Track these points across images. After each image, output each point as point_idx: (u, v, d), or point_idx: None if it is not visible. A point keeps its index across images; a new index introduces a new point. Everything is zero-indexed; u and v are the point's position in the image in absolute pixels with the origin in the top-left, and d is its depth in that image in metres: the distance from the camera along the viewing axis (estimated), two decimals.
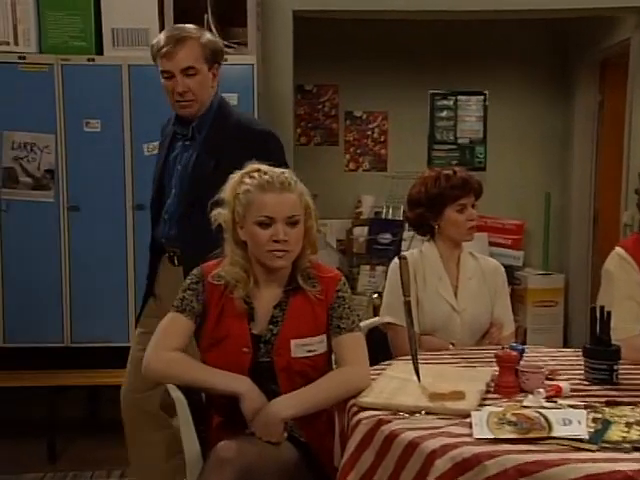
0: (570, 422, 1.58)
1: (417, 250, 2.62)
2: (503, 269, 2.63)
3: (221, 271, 1.97)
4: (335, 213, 4.81)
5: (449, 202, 2.50)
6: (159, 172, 2.51)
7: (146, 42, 3.38)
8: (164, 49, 2.34)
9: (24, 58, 3.41)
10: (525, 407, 1.69)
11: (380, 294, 4.23)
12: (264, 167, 1.96)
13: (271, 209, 1.90)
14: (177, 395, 1.94)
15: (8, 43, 3.43)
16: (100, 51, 3.45)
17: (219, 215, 1.96)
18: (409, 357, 1.97)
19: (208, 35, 2.45)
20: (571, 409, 1.67)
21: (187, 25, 2.44)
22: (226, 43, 3.45)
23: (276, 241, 1.89)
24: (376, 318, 2.63)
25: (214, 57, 2.42)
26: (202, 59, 2.37)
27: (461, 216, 2.51)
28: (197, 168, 2.40)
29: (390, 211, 4.78)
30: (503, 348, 1.99)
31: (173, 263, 2.50)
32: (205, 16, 3.41)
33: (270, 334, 1.96)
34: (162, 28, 3.41)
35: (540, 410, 1.64)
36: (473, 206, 2.54)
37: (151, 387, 2.45)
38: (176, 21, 3.42)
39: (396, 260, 2.47)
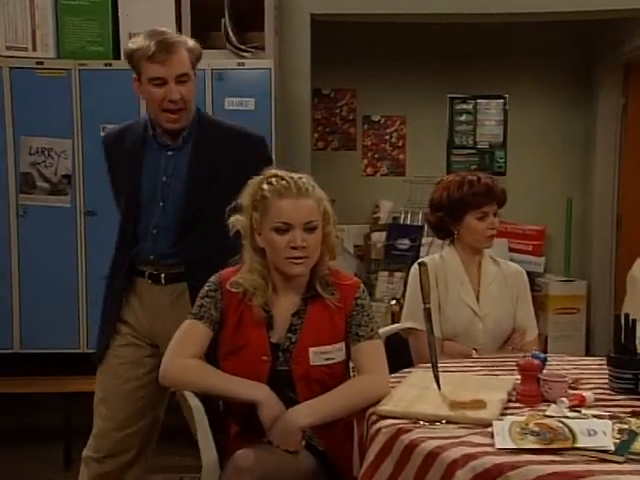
0: (595, 433, 1.54)
1: (437, 255, 2.59)
2: (525, 273, 2.60)
3: (239, 278, 1.95)
4: (352, 218, 4.78)
5: (470, 209, 2.47)
6: (134, 187, 2.29)
7: None
8: (157, 55, 2.19)
9: (42, 63, 3.42)
10: (548, 417, 1.66)
11: (398, 300, 4.23)
12: (282, 172, 1.94)
13: (288, 215, 1.88)
14: (195, 403, 1.93)
15: (26, 49, 3.45)
16: (117, 56, 3.45)
17: (237, 222, 1.94)
18: (429, 365, 1.94)
19: (189, 39, 2.33)
20: (596, 419, 1.63)
21: (166, 29, 2.32)
22: (243, 47, 3.45)
23: (294, 247, 1.87)
24: (396, 325, 2.61)
25: (197, 62, 2.31)
26: (190, 65, 2.26)
27: (481, 224, 2.47)
28: (193, 178, 2.27)
29: (408, 216, 4.75)
30: (525, 356, 1.95)
31: (159, 282, 2.31)
32: (222, 20, 3.41)
33: (289, 342, 1.94)
34: (179, 33, 3.41)
35: (563, 420, 1.61)
36: (495, 214, 2.51)
37: (136, 422, 2.34)
38: (194, 26, 3.43)
39: (416, 265, 2.45)
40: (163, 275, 2.30)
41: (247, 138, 2.34)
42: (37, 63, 3.42)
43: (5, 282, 3.48)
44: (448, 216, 2.51)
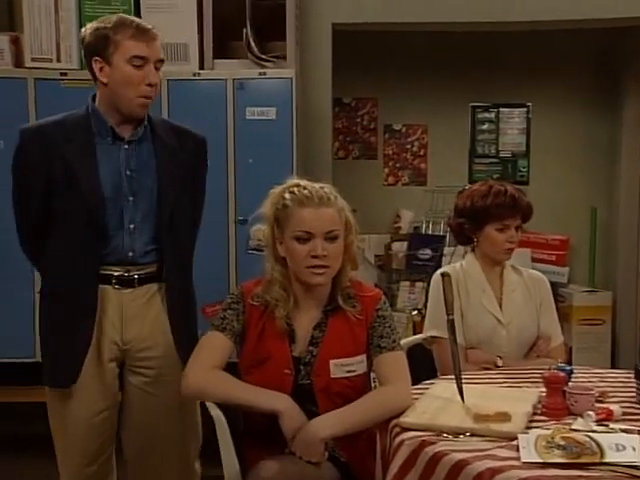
0: (624, 447, 1.51)
1: (458, 264, 2.58)
2: (547, 280, 2.58)
3: (260, 291, 1.94)
4: (373, 228, 4.76)
5: (491, 220, 2.45)
6: (95, 183, 2.08)
7: (185, 57, 3.40)
8: (141, 34, 2.06)
9: (66, 74, 3.45)
10: (574, 430, 1.63)
11: (420, 311, 4.19)
12: (304, 182, 1.95)
13: (309, 224, 1.87)
14: (216, 413, 1.93)
15: (51, 60, 3.47)
16: None
17: (258, 231, 1.94)
18: (452, 377, 1.92)
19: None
20: (624, 434, 1.59)
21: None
22: (265, 57, 3.45)
23: (314, 256, 1.86)
24: (419, 335, 2.58)
25: None
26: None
27: (501, 235, 2.45)
28: (165, 172, 2.15)
29: (430, 226, 4.71)
30: (550, 368, 1.92)
31: (129, 285, 2.13)
32: (244, 30, 3.42)
33: (310, 355, 1.93)
34: (201, 43, 3.43)
35: (590, 434, 1.58)
36: (518, 228, 2.48)
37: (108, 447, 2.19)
38: (216, 36, 3.44)
39: (438, 274, 2.44)
40: (136, 276, 2.14)
41: (198, 138, 2.28)
42: (61, 74, 3.45)
43: None
44: (469, 223, 2.49)
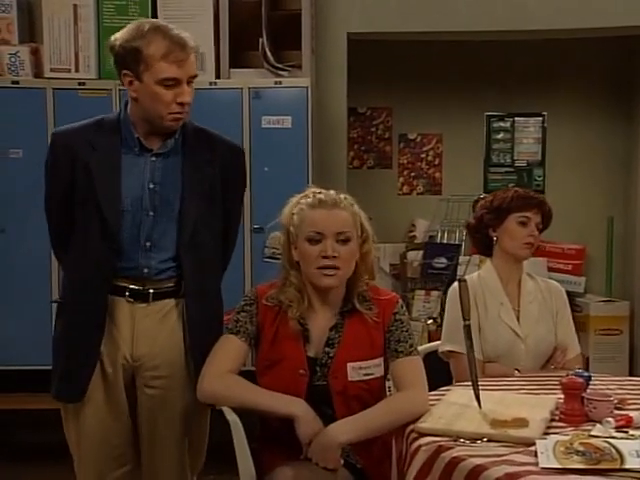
0: None
1: (476, 274, 2.56)
2: (563, 290, 2.56)
3: (275, 292, 1.95)
4: (388, 237, 4.75)
5: (513, 210, 2.45)
6: (115, 193, 2.02)
7: (202, 67, 3.42)
8: (174, 54, 1.96)
9: (84, 84, 3.49)
10: (593, 437, 1.61)
11: (435, 319, 4.18)
12: (321, 190, 1.96)
13: (320, 225, 1.89)
14: (233, 418, 1.92)
15: (69, 70, 3.52)
16: None
17: (275, 238, 1.95)
18: (468, 383, 1.91)
19: (189, 35, 2.06)
20: None
21: (166, 24, 2.04)
22: (280, 66, 3.48)
23: (325, 257, 1.86)
24: (433, 343, 2.57)
25: None
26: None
27: (522, 229, 2.44)
28: (190, 189, 2.05)
29: (445, 235, 4.70)
30: (568, 374, 1.91)
31: (143, 300, 2.05)
32: (260, 40, 3.44)
33: (326, 357, 1.92)
34: (218, 53, 3.46)
35: (610, 440, 1.56)
36: (539, 229, 2.48)
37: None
38: (232, 45, 3.47)
39: (455, 285, 2.42)
40: (151, 291, 2.05)
41: (232, 148, 2.19)
42: (79, 84, 3.49)
43: None
44: (490, 214, 2.48)
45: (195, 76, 2.03)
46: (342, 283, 1.92)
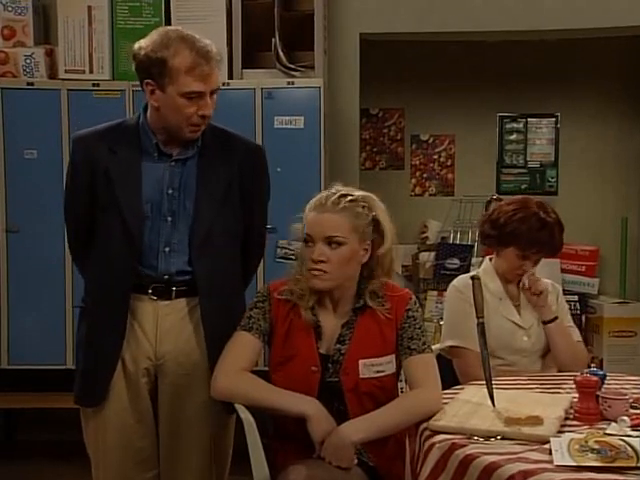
0: None
1: (475, 272, 2.58)
2: (558, 286, 2.58)
3: (288, 285, 1.96)
4: (401, 238, 4.66)
5: (517, 246, 2.43)
6: (137, 199, 2.02)
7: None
8: (199, 68, 1.93)
9: (98, 85, 3.51)
10: (608, 435, 1.60)
11: None
12: (339, 188, 1.95)
13: (310, 227, 1.91)
14: (246, 417, 1.91)
15: (84, 71, 3.54)
16: None
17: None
18: (482, 382, 1.90)
19: (213, 44, 2.02)
20: None
21: (192, 33, 2.00)
22: (293, 67, 3.48)
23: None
24: (436, 345, 2.56)
25: None
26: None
27: (517, 262, 2.45)
28: (204, 192, 2.05)
29: (457, 236, 4.69)
30: (582, 373, 1.90)
31: (166, 297, 2.05)
32: (273, 40, 3.45)
33: (338, 353, 1.92)
34: (230, 53, 3.47)
35: (625, 438, 1.55)
36: (536, 263, 2.47)
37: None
38: (244, 46, 3.47)
39: (455, 284, 2.49)
40: (174, 288, 2.05)
41: (251, 147, 2.18)
42: (93, 85, 3.51)
43: None
44: (495, 235, 2.48)
45: (218, 89, 2.01)
46: (336, 286, 1.91)
